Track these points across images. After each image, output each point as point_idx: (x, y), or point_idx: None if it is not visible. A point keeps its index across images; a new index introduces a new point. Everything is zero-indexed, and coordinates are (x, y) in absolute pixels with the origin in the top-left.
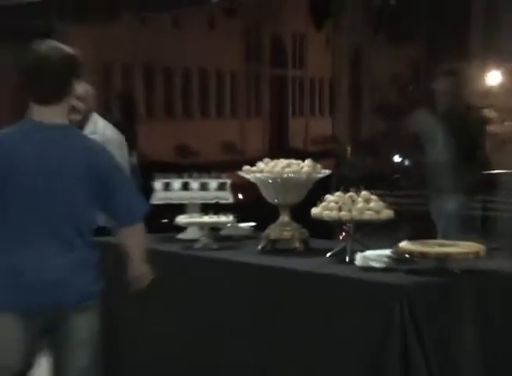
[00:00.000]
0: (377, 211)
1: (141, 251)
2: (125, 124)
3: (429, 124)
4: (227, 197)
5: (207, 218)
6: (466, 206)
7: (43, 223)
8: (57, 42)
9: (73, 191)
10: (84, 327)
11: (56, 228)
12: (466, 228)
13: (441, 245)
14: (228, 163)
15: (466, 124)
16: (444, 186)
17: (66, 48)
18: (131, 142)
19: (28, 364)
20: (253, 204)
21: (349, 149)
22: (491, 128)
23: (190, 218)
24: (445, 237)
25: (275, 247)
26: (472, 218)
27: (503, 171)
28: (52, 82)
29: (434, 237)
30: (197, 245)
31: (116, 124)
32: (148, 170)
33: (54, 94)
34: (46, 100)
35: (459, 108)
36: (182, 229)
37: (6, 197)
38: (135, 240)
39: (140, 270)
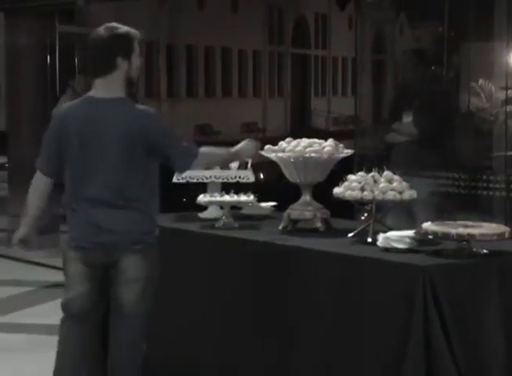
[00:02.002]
0: (400, 192)
1: None
2: None
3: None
4: (248, 176)
5: (227, 198)
6: (433, 189)
7: (89, 184)
8: (116, 24)
9: (109, 154)
10: (132, 266)
11: (99, 187)
12: (438, 211)
13: (465, 226)
14: None
15: (430, 102)
16: (413, 166)
17: (119, 29)
18: None
19: (92, 305)
20: (274, 184)
21: (372, 128)
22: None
23: (211, 197)
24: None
25: (296, 227)
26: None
27: None
28: (95, 58)
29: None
30: (218, 224)
31: None
32: None
33: (98, 68)
34: (94, 74)
35: (422, 86)
36: (202, 208)
37: (67, 164)
38: None
39: None
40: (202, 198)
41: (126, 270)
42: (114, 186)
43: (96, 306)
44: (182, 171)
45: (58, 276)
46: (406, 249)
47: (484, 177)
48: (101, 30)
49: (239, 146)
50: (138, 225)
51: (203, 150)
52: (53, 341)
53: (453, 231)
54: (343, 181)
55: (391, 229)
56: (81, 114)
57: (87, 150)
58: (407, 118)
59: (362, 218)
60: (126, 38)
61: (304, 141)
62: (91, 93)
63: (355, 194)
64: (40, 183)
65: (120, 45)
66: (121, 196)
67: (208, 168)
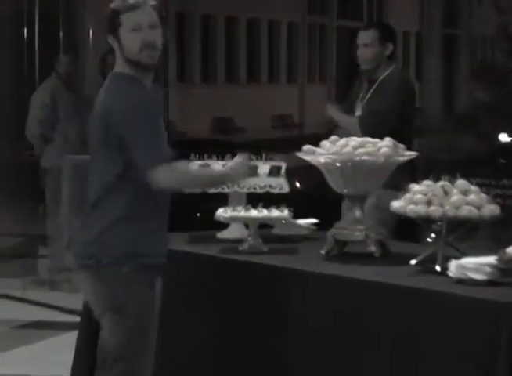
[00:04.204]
0: (478, 206)
1: None
2: None
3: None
4: (281, 185)
5: (255, 213)
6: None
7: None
8: None
9: (95, 147)
10: (84, 288)
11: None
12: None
13: None
14: (283, 141)
15: (390, 94)
16: None
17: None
18: None
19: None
20: (315, 195)
21: (441, 124)
22: None
23: (233, 211)
24: None
25: (343, 252)
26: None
27: None
28: None
29: None
30: (242, 247)
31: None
32: (180, 149)
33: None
34: None
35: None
36: (222, 225)
37: None
38: None
39: None
40: (222, 213)
41: (84, 294)
42: (92, 185)
43: None
44: (144, 180)
45: (33, 314)
46: (486, 281)
47: None
48: None
49: (229, 165)
50: (94, 233)
51: (179, 165)
52: None
53: None
54: (404, 192)
55: (465, 254)
56: None
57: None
58: (359, 111)
59: (429, 240)
60: (110, 13)
61: (355, 140)
62: None
63: (419, 209)
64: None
65: (107, 21)
66: (91, 196)
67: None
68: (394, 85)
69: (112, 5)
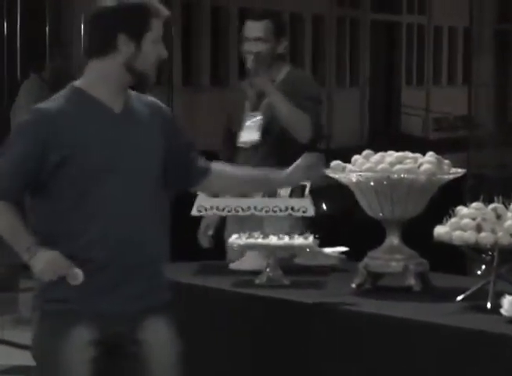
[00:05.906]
0: None
1: None
2: None
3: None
4: (305, 208)
5: (274, 240)
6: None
7: None
8: None
9: None
10: None
11: None
12: None
13: None
14: None
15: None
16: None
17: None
18: None
19: None
20: (344, 219)
21: (494, 136)
22: None
23: (249, 238)
24: None
25: (377, 286)
26: None
27: None
28: (89, 33)
29: None
30: (259, 280)
31: None
32: None
33: (91, 47)
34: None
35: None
36: (235, 254)
37: None
38: None
39: None
40: (235, 240)
41: None
42: None
43: None
44: None
45: (13, 358)
46: None
47: None
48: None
49: (43, 252)
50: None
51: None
52: None
53: None
54: (449, 216)
55: None
56: None
57: None
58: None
59: (479, 272)
60: (138, 9)
61: (391, 155)
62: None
63: (467, 236)
64: None
65: (132, 18)
66: None
67: None
68: (309, 86)
69: (138, 3)
